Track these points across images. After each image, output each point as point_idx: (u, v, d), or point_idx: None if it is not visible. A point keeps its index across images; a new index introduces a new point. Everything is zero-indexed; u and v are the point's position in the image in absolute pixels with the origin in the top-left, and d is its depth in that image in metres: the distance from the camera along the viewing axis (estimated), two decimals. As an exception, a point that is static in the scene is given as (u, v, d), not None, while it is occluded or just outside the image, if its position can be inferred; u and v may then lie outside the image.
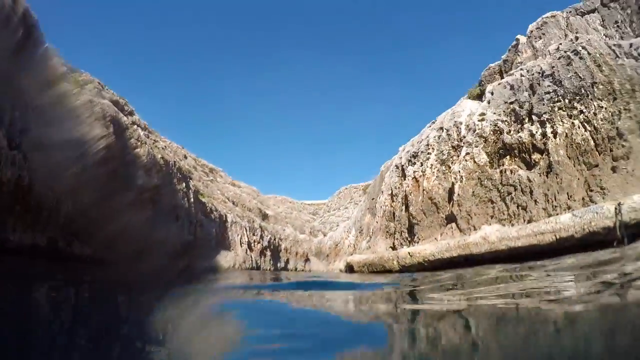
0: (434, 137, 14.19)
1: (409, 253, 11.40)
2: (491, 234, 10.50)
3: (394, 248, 15.81)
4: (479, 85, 17.60)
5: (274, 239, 44.97)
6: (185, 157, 38.53)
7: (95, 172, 18.84)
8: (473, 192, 12.45)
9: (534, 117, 12.53)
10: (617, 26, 14.29)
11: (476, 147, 12.97)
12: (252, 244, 41.58)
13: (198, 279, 16.53)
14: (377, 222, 18.68)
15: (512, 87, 13.56)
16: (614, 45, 12.05)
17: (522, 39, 16.92)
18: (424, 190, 13.73)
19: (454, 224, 12.46)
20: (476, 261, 10.47)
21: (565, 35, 15.64)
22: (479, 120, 13.58)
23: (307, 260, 48.40)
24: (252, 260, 40.45)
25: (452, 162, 13.78)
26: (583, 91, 11.97)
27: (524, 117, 12.80)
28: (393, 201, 16.41)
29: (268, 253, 43.80)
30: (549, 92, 12.57)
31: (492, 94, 14.06)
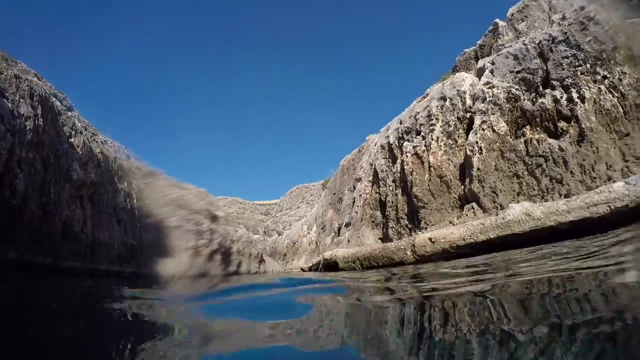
0: (437, 106, 12.19)
1: (429, 239, 9.21)
2: (535, 209, 8.58)
3: (385, 239, 13.66)
4: (452, 71, 16.58)
5: (225, 241, 41.92)
6: (129, 158, 34.72)
7: (25, 157, 15.42)
8: (496, 165, 10.53)
9: (554, 82, 10.95)
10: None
11: (493, 114, 11.09)
12: (200, 249, 38.23)
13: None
14: (356, 212, 16.48)
15: (515, 57, 12.08)
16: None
17: (501, 22, 16.10)
18: (430, 167, 11.69)
19: (474, 204, 10.46)
20: (517, 243, 8.52)
21: (549, 17, 14.77)
22: (488, 88, 11.76)
23: (261, 261, 45.53)
24: (199, 267, 37.13)
25: (458, 136, 11.86)
26: (604, 56, 10.71)
27: (538, 84, 11.25)
28: (380, 187, 14.29)
29: (218, 257, 40.56)
30: (567, 57, 11.12)
31: (492, 64, 12.43)
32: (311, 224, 34.27)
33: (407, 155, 12.41)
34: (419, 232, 11.20)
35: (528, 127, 10.96)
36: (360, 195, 16.32)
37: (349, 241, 16.74)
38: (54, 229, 17.24)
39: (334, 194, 28.08)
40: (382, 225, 14.39)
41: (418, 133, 12.40)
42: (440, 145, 11.77)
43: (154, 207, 31.46)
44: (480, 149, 10.78)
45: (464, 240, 8.98)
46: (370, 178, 15.74)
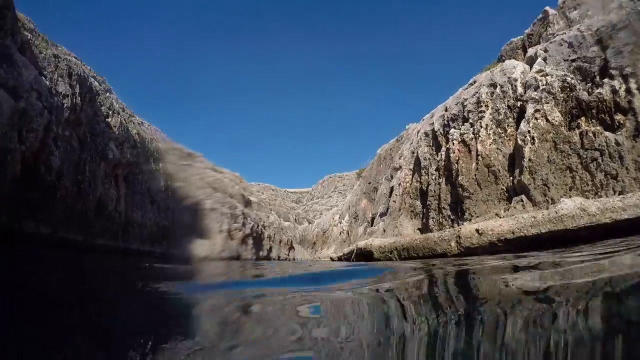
0: (487, 93, 11.44)
1: (477, 230, 8.58)
2: (590, 205, 7.85)
3: (425, 230, 13.05)
4: (498, 61, 15.73)
5: (257, 226, 41.86)
6: (164, 140, 35.00)
7: (61, 134, 15.47)
8: (548, 157, 9.77)
9: (612, 72, 10.07)
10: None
11: (546, 103, 10.29)
12: (233, 232, 38.34)
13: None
14: (394, 201, 15.87)
15: (570, 45, 11.21)
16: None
17: (552, 10, 15.17)
18: (478, 155, 10.98)
19: (523, 196, 9.74)
20: (568, 239, 7.83)
21: (603, 5, 13.79)
22: (541, 76, 10.94)
23: (291, 248, 45.47)
24: (232, 249, 37.25)
25: (508, 125, 11.10)
26: None
27: (595, 73, 10.40)
28: (421, 175, 13.66)
29: (250, 241, 40.61)
30: (628, 44, 10.23)
31: (545, 51, 11.57)
32: (343, 213, 33.82)
33: (453, 143, 11.73)
34: (464, 224, 10.56)
35: (583, 118, 10.15)
36: (399, 184, 15.71)
37: (384, 231, 16.19)
38: (88, 206, 17.35)
39: (369, 183, 27.51)
40: (421, 216, 13.77)
41: (466, 120, 11.70)
42: (489, 134, 11.04)
43: (191, 189, 31.66)
44: (533, 139, 10.02)
45: (513, 233, 8.33)
46: (411, 166, 15.10)
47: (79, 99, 17.13)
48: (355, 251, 16.58)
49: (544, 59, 11.51)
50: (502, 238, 8.44)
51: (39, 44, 15.48)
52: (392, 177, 18.92)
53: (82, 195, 17.00)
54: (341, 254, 26.19)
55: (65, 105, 15.93)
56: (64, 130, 15.74)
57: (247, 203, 45.00)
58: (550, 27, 14.74)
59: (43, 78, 14.45)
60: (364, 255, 14.92)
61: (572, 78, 10.67)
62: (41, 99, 13.69)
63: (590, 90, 10.31)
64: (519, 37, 16.02)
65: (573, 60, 10.95)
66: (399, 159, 16.59)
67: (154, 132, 31.49)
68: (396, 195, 15.85)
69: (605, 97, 9.90)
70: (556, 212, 8.01)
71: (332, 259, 30.90)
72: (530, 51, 12.35)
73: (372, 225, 22.80)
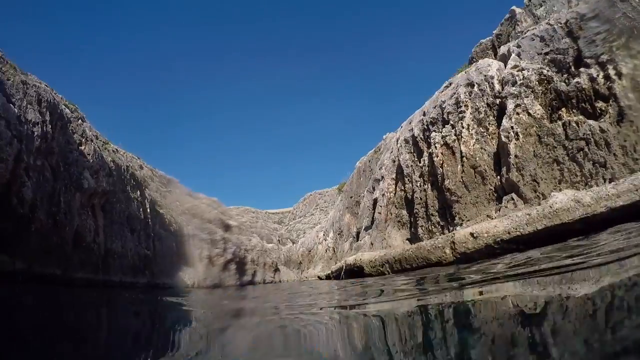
0: (465, 92, 11.38)
1: (471, 234, 8.34)
2: (584, 195, 7.73)
3: (414, 239, 12.78)
4: (469, 63, 15.96)
5: (239, 251, 41.00)
6: (142, 167, 34.23)
7: (33, 164, 14.83)
8: (534, 152, 9.68)
9: (587, 60, 10.18)
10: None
11: (526, 97, 10.27)
12: (214, 258, 37.46)
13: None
14: (379, 213, 15.62)
15: (542, 39, 11.36)
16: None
17: (518, 9, 15.56)
18: (463, 157, 10.84)
19: (513, 195, 9.58)
20: (565, 233, 7.66)
21: (568, 0, 14.16)
22: (517, 71, 10.97)
23: (276, 270, 44.64)
24: (214, 276, 36.33)
25: (489, 123, 11.03)
26: (635, 32, 9.97)
27: (569, 64, 10.50)
28: (405, 184, 13.46)
29: (233, 267, 39.69)
30: (600, 33, 10.41)
31: (518, 47, 11.68)
32: (327, 229, 33.45)
33: (435, 147, 11.58)
34: (456, 229, 10.34)
35: (564, 109, 10.16)
36: (383, 195, 15.48)
37: (372, 244, 15.89)
38: (65, 238, 16.61)
39: (351, 197, 27.29)
40: (409, 225, 13.53)
41: (446, 122, 11.59)
42: (472, 134, 10.94)
43: (171, 216, 30.85)
44: (517, 134, 9.94)
45: (509, 233, 8.14)
46: (393, 175, 14.91)
47: (50, 126, 16.54)
48: (344, 268, 16.18)
49: (518, 55, 11.58)
50: (499, 239, 8.23)
51: (6, 70, 14.94)
52: (374, 188, 18.72)
53: (58, 227, 16.28)
54: (329, 272, 25.67)
55: (35, 133, 15.33)
56: (35, 159, 15.12)
57: (227, 227, 44.13)
58: (518, 25, 15.01)
59: (11, 105, 13.91)
60: (354, 271, 14.50)
61: (548, 70, 10.72)
62: (10, 127, 13.14)
63: (567, 80, 10.36)
64: (488, 38, 16.31)
65: (547, 54, 11.03)
66: (380, 169, 16.42)
67: (130, 159, 30.78)
68: (380, 206, 15.62)
69: (583, 86, 9.94)
70: (550, 207, 7.86)
71: (319, 278, 30.34)
72: (503, 49, 12.44)
73: (357, 240, 22.50)
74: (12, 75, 15.16)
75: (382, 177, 15.79)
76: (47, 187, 15.78)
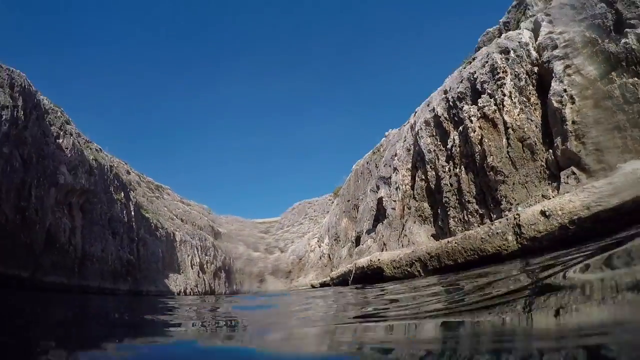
0: (501, 59, 9.52)
1: (542, 212, 6.32)
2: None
3: (441, 235, 10.72)
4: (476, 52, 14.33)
5: (228, 259, 38.56)
6: (129, 173, 31.80)
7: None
8: (593, 117, 7.80)
9: (632, 21, 8.43)
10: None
11: (575, 58, 8.43)
12: (205, 265, 35.02)
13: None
14: (393, 209, 13.57)
15: (573, 7, 9.58)
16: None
17: None
18: (508, 129, 8.87)
19: (573, 168, 7.66)
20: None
21: None
22: (557, 34, 9.16)
23: (262, 280, 42.20)
24: (205, 284, 33.85)
25: (529, 93, 9.16)
26: None
27: (610, 28, 8.71)
28: (427, 171, 11.49)
29: (222, 274, 37.23)
30: (637, -6, 8.74)
31: (547, 15, 9.90)
32: (322, 236, 31.20)
33: (471, 121, 9.61)
34: (506, 213, 8.30)
35: (614, 73, 8.35)
36: (397, 189, 13.43)
37: (384, 244, 13.77)
38: (34, 238, 14.19)
39: (348, 201, 25.22)
40: (432, 219, 11.48)
41: (481, 93, 9.68)
42: (515, 102, 9.02)
43: (158, 221, 28.37)
44: (572, 97, 8.03)
45: (588, 209, 6.16)
46: (409, 165, 12.89)
47: (22, 113, 14.24)
48: (353, 272, 14.02)
49: (550, 22, 9.81)
50: (575, 218, 6.24)
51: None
52: (378, 187, 16.73)
53: (27, 224, 13.89)
54: (326, 279, 23.40)
55: (4, 117, 13.05)
56: (1, 146, 12.82)
57: (217, 235, 41.83)
58: (529, 9, 13.44)
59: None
60: (368, 275, 12.37)
61: (590, 33, 8.97)
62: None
63: (615, 42, 8.60)
64: (494, 27, 14.88)
65: (581, 20, 9.31)
66: (393, 160, 14.41)
67: (117, 164, 28.38)
68: (394, 201, 13.56)
69: (633, 47, 8.16)
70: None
71: (313, 286, 28.07)
72: (526, 23, 10.70)
73: (357, 245, 20.44)
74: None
75: (396, 169, 13.77)
76: (14, 179, 13.43)
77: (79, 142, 19.19)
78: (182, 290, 28.64)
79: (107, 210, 21.14)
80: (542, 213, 6.44)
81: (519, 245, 6.66)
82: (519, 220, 6.70)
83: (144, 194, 31.84)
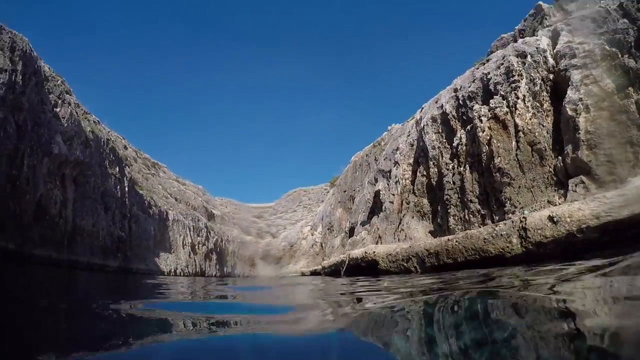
0: (518, 62, 9.26)
1: (549, 218, 6.12)
2: None
3: (439, 232, 10.53)
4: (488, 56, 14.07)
5: (221, 241, 38.33)
6: (126, 148, 31.32)
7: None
8: (607, 129, 7.58)
9: None
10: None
11: (594, 69, 8.17)
12: (197, 246, 34.74)
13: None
14: (391, 202, 13.35)
15: (594, 20, 9.32)
16: None
17: (545, 5, 13.85)
18: (518, 132, 8.64)
19: (583, 177, 7.44)
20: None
21: None
22: (577, 44, 8.88)
23: (253, 264, 42.04)
24: (196, 265, 33.62)
25: (543, 99, 8.91)
26: None
27: (631, 44, 8.43)
28: (429, 167, 11.25)
29: (214, 257, 36.99)
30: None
31: (567, 25, 9.63)
32: (316, 224, 31.00)
33: (480, 120, 9.35)
34: (509, 216, 8.08)
35: (631, 88, 8.11)
36: (397, 182, 13.19)
37: (379, 237, 13.57)
38: (24, 208, 13.87)
39: (345, 191, 24.96)
40: (430, 216, 11.27)
41: (493, 94, 9.42)
42: (528, 106, 8.77)
43: (151, 199, 28.00)
44: (587, 107, 7.80)
45: (597, 218, 5.94)
46: (411, 160, 12.66)
47: (21, 78, 13.84)
48: (346, 263, 13.80)
49: (570, 32, 9.55)
50: (583, 227, 6.03)
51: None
52: (376, 180, 16.48)
53: (17, 193, 13.56)
54: (317, 267, 23.28)
55: (1, 80, 12.66)
56: (-5, 110, 12.46)
57: (211, 216, 41.52)
58: (546, 19, 13.18)
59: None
60: (362, 267, 12.16)
61: (610, 47, 8.70)
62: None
63: (635, 58, 8.34)
64: (509, 33, 14.69)
65: (602, 34, 9.05)
66: (394, 154, 14.14)
67: (114, 138, 27.92)
68: (393, 194, 13.34)
69: None
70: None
71: (303, 274, 27.96)
72: (544, 31, 10.45)
73: (351, 236, 20.24)
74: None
75: (397, 162, 13.53)
76: (7, 145, 13.07)
77: (77, 113, 18.77)
78: (173, 270, 28.42)
79: (100, 184, 20.80)
80: (550, 218, 6.21)
81: (524, 249, 6.44)
82: (525, 223, 6.48)
83: (140, 170, 31.45)
